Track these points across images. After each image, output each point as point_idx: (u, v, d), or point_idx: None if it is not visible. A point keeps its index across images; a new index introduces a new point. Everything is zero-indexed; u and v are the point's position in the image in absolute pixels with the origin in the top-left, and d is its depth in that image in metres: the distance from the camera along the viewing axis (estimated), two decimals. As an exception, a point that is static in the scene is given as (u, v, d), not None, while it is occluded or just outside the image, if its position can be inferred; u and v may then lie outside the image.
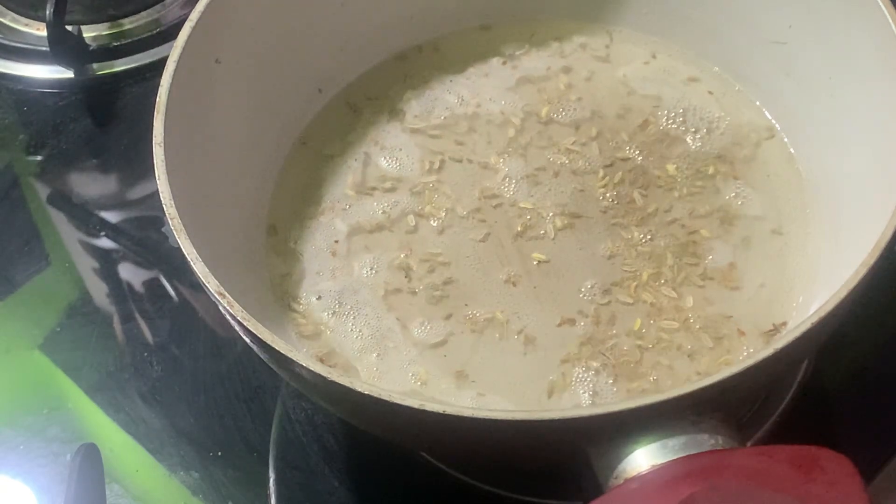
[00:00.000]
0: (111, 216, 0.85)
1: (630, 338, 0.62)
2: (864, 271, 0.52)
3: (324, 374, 0.51)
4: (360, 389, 0.50)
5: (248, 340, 0.55)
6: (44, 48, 0.91)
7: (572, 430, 0.48)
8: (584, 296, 0.64)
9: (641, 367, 0.61)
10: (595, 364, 0.61)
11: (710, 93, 0.73)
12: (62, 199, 0.87)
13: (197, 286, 0.57)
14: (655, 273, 0.65)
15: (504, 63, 0.76)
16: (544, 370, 0.62)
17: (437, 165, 0.71)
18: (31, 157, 0.89)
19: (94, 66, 0.93)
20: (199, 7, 0.65)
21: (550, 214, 0.68)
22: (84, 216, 0.85)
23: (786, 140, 0.71)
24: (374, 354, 0.64)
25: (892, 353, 0.71)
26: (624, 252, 0.66)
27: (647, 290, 0.64)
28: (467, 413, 0.49)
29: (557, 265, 0.66)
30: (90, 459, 0.65)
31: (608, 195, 0.68)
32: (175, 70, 0.62)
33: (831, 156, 0.67)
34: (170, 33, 0.92)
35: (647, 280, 0.64)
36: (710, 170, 0.69)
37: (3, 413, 0.75)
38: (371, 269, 0.67)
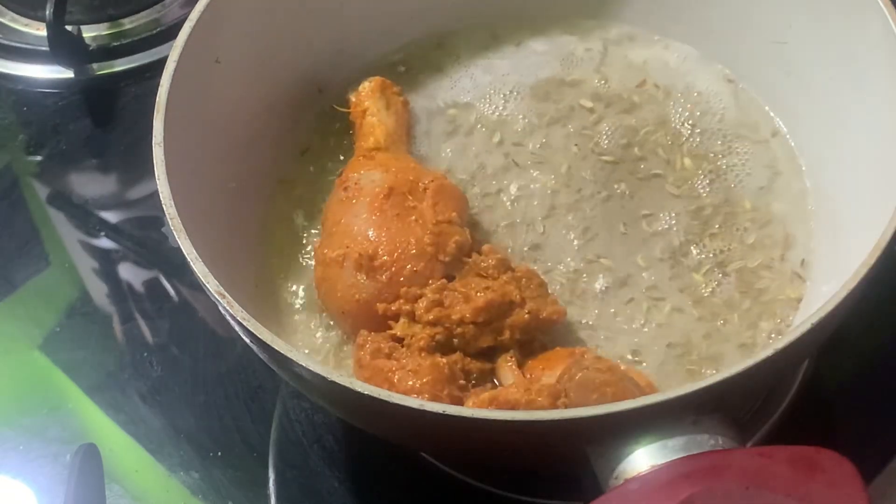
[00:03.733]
0: (111, 216, 0.85)
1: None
2: (864, 271, 0.52)
3: (324, 374, 0.51)
4: (359, 389, 0.50)
5: (248, 340, 0.55)
6: (44, 48, 0.91)
7: (572, 430, 0.48)
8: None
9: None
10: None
11: (712, 90, 0.73)
12: (62, 199, 0.87)
13: (197, 286, 0.57)
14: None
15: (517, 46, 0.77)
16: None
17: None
18: (31, 157, 0.89)
19: (94, 66, 0.93)
20: (199, 7, 0.65)
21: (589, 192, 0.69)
22: (84, 216, 0.85)
23: (788, 137, 0.71)
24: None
25: (892, 353, 0.71)
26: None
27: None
28: (467, 413, 0.49)
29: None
30: (90, 459, 0.65)
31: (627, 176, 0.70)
32: (175, 70, 0.62)
33: (832, 154, 0.67)
34: (170, 33, 0.92)
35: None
36: (712, 165, 0.70)
37: (3, 413, 0.75)
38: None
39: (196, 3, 0.65)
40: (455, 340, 0.59)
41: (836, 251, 0.62)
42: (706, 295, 0.64)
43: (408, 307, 0.60)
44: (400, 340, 0.60)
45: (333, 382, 0.50)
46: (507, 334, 0.60)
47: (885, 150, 0.60)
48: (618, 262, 0.66)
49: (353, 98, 0.72)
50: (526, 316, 0.60)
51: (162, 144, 0.59)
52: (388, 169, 0.65)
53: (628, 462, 0.48)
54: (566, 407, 0.53)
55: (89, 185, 0.88)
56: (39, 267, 0.83)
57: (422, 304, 0.60)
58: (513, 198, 0.69)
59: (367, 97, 0.71)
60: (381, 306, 0.61)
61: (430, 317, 0.59)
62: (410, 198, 0.64)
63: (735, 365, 0.49)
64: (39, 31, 0.93)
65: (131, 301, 0.80)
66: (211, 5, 0.65)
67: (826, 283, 0.61)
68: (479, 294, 0.59)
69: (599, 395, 0.52)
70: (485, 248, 0.64)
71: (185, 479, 0.70)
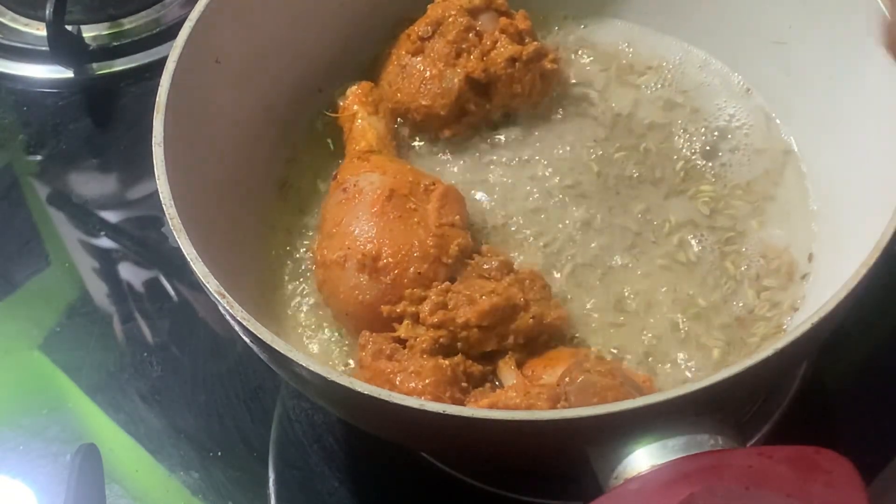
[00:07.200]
0: (111, 216, 0.85)
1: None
2: (864, 271, 0.52)
3: (324, 374, 0.51)
4: (359, 389, 0.50)
5: (248, 340, 0.55)
6: (44, 48, 0.91)
7: (572, 430, 0.48)
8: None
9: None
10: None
11: (713, 90, 0.73)
12: (62, 199, 0.87)
13: (197, 286, 0.57)
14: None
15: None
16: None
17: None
18: (31, 157, 0.89)
19: (94, 65, 0.93)
20: (199, 7, 0.65)
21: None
22: (84, 216, 0.85)
23: (789, 138, 0.71)
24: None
25: (892, 352, 0.71)
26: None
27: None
28: (467, 413, 0.49)
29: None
30: (90, 459, 0.65)
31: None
32: (175, 70, 0.62)
33: (832, 154, 0.67)
34: (170, 33, 0.92)
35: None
36: (713, 166, 0.70)
37: (3, 413, 0.75)
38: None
39: (196, 3, 0.65)
40: (459, 343, 0.59)
41: (837, 251, 0.62)
42: (706, 294, 0.64)
43: (412, 309, 0.60)
44: (402, 342, 0.60)
45: (333, 382, 0.50)
46: (511, 339, 0.60)
47: (885, 149, 0.60)
48: (615, 259, 0.66)
49: (340, 102, 0.72)
50: (530, 321, 0.60)
51: (162, 144, 0.59)
52: (386, 171, 0.65)
53: (628, 462, 0.48)
54: None
55: (89, 185, 0.88)
56: (39, 267, 0.83)
57: (426, 306, 0.60)
58: (510, 199, 0.69)
59: (355, 101, 0.71)
60: (385, 308, 0.61)
61: (435, 319, 0.59)
62: (412, 199, 0.64)
63: (735, 365, 0.49)
64: (39, 31, 0.93)
65: (131, 301, 0.80)
66: (211, 5, 0.65)
67: (826, 283, 0.61)
68: (483, 297, 0.59)
69: (600, 400, 0.52)
70: (484, 248, 0.64)
71: (185, 479, 0.70)
